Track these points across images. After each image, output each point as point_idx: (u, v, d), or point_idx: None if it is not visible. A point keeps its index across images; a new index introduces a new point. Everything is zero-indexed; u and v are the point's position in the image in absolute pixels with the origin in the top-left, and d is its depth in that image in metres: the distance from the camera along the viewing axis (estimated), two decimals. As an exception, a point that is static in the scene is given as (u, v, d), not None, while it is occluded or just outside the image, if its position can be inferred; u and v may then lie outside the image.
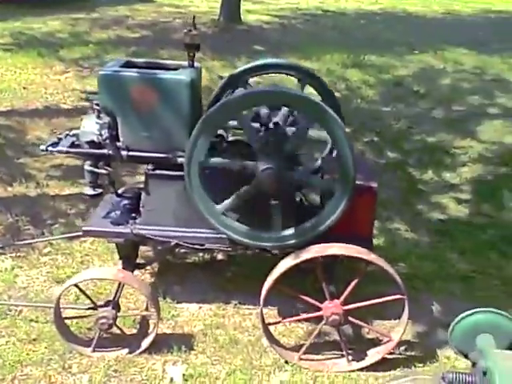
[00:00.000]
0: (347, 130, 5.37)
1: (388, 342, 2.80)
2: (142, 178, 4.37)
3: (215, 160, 2.64)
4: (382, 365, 2.81)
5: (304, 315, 2.86)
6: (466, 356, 2.04)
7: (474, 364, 1.85)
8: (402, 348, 2.96)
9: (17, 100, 5.98)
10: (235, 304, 3.18)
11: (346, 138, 2.53)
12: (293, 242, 2.71)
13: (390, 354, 2.86)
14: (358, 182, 2.66)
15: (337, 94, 6.50)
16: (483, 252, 3.86)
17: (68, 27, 9.29)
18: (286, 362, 2.80)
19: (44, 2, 10.71)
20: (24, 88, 6.32)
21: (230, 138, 2.88)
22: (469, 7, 14.18)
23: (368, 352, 2.83)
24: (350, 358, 2.81)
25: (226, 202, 2.67)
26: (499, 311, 2.01)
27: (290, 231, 2.70)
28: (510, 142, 5.66)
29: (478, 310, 2.02)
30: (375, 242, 3.89)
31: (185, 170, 2.60)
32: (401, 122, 6.01)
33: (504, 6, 14.52)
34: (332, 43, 9.00)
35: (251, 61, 3.42)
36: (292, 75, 3.30)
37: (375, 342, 2.94)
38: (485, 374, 1.72)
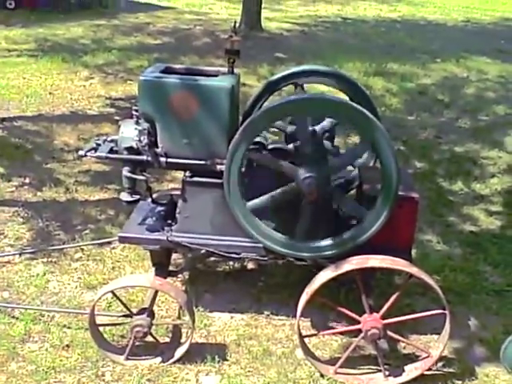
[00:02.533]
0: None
1: (427, 357, 2.73)
2: (170, 185, 4.42)
3: (258, 157, 2.61)
4: (419, 381, 2.74)
5: (342, 328, 2.81)
6: (519, 375, 1.98)
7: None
8: (440, 364, 2.88)
9: (43, 105, 6.02)
10: (267, 314, 3.13)
11: (391, 148, 2.49)
12: (331, 252, 2.66)
13: (428, 370, 2.79)
14: (400, 193, 2.62)
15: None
16: (515, 266, 3.78)
17: (90, 33, 9.37)
18: (322, 376, 2.74)
19: (66, 9, 10.83)
20: (50, 93, 6.37)
21: (270, 146, 2.84)
22: (487, 15, 14.13)
23: (405, 368, 2.76)
24: (387, 373, 2.74)
25: (257, 199, 2.62)
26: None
27: (329, 242, 2.66)
28: (539, 152, 5.58)
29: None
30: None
31: (224, 176, 2.57)
32: (427, 132, 5.95)
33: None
34: (353, 50, 8.99)
35: (283, 68, 3.40)
36: (333, 85, 3.26)
37: (412, 358, 2.87)
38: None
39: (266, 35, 9.53)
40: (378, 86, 7.18)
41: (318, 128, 2.94)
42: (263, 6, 9.96)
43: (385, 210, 2.57)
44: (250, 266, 3.54)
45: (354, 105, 2.58)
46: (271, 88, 3.24)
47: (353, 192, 3.10)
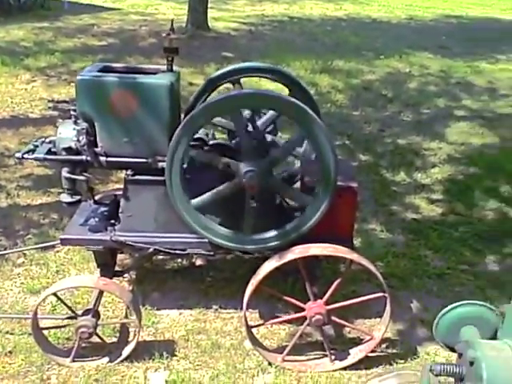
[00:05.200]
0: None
1: (370, 340, 2.83)
2: (115, 186, 4.37)
3: (199, 153, 2.64)
4: (365, 363, 2.84)
5: (287, 316, 2.87)
6: (451, 349, 2.08)
7: (460, 355, 1.89)
8: (384, 346, 2.99)
9: (-18, 110, 5.84)
10: (216, 309, 3.17)
11: (328, 140, 2.56)
12: (275, 243, 2.72)
13: (372, 352, 2.89)
14: (338, 183, 2.70)
15: (308, 99, 6.62)
16: (456, 249, 3.95)
17: (32, 36, 9.13)
18: (270, 364, 2.79)
19: (6, 12, 10.51)
20: (-11, 98, 6.18)
21: (211, 142, 2.87)
22: (429, 12, 14.60)
23: (350, 351, 2.85)
24: (333, 357, 2.82)
25: (201, 197, 2.65)
26: (482, 303, 2.06)
27: (273, 233, 2.71)
28: (477, 142, 5.83)
29: (461, 303, 2.06)
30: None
31: (166, 173, 2.58)
32: (371, 125, 6.12)
33: (462, 11, 15.01)
34: (300, 49, 9.12)
35: (224, 66, 3.44)
36: (273, 79, 3.32)
37: (357, 341, 2.97)
38: (471, 364, 1.76)
39: (213, 35, 9.54)
40: (324, 82, 7.32)
41: (259, 122, 3.00)
42: (210, 5, 9.96)
43: (325, 200, 2.64)
44: (199, 262, 3.56)
45: (292, 99, 2.63)
46: (212, 85, 3.27)
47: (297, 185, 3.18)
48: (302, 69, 7.66)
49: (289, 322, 3.02)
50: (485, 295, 3.39)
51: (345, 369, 2.81)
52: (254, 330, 2.86)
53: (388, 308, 2.74)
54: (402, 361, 2.90)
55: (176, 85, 2.76)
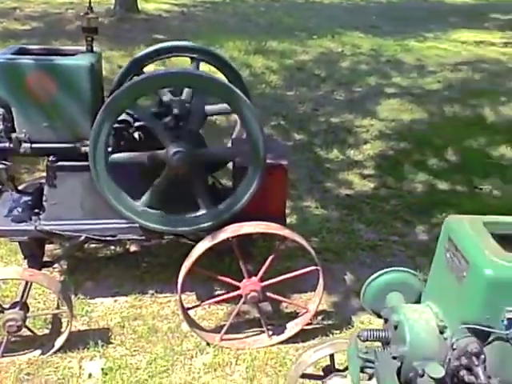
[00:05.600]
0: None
1: (305, 313, 2.88)
2: (42, 174, 4.20)
3: (123, 156, 2.58)
4: (301, 336, 2.90)
5: (223, 296, 2.87)
6: (379, 315, 2.14)
7: (386, 320, 1.95)
8: (319, 318, 3.07)
9: None
10: (152, 294, 3.13)
11: (256, 118, 2.55)
12: (208, 224, 2.71)
13: (309, 324, 2.96)
14: (268, 161, 2.71)
15: (241, 80, 6.59)
16: (388, 221, 4.09)
17: None
18: (208, 345, 2.80)
19: None
20: None
21: (137, 124, 2.79)
22: (360, -8, 14.80)
23: (287, 325, 2.90)
24: (270, 332, 2.86)
25: (144, 197, 2.62)
26: (406, 269, 2.13)
27: (205, 214, 2.70)
28: (407, 118, 6.01)
29: (386, 270, 2.12)
30: (288, 220, 3.99)
31: (90, 158, 2.50)
32: (305, 105, 6.18)
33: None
34: (233, 30, 9.05)
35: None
36: (201, 60, 3.27)
37: (294, 315, 3.02)
38: (396, 327, 1.82)
39: (143, 17, 9.29)
40: (258, 63, 7.30)
41: (188, 104, 2.95)
42: (139, -14, 9.69)
43: (255, 179, 2.65)
44: (133, 248, 3.50)
45: (219, 79, 2.61)
46: (137, 65, 3.19)
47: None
48: (235, 50, 7.60)
49: (226, 301, 3.02)
50: (415, 263, 3.52)
51: (282, 343, 2.86)
52: (191, 312, 2.86)
53: (321, 281, 2.80)
54: (338, 331, 2.98)
55: (97, 66, 2.67)
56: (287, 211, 4.05)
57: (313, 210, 4.19)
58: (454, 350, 1.68)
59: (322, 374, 2.49)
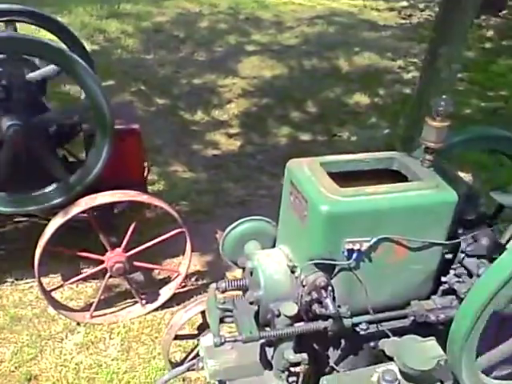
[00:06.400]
0: (111, 82, 5.19)
1: (177, 276, 2.87)
2: None
3: None
4: (176, 299, 2.89)
5: (87, 272, 2.76)
6: (239, 266, 2.18)
7: (243, 269, 1.99)
8: (193, 279, 3.08)
9: None
10: (12, 281, 2.93)
11: (98, 85, 2.42)
12: (60, 199, 2.56)
13: (183, 287, 2.96)
14: (119, 127, 2.61)
15: (95, 47, 6.26)
16: (255, 177, 4.18)
17: None
18: (78, 324, 2.70)
19: None
20: None
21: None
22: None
23: (160, 291, 2.88)
24: (144, 301, 2.83)
25: None
26: (260, 218, 2.18)
27: (55, 189, 2.55)
28: (268, 75, 6.11)
29: (241, 220, 2.16)
30: (156, 187, 3.94)
31: None
32: (166, 68, 6.02)
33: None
34: (83, -6, 8.48)
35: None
36: (36, 25, 3.01)
37: (167, 281, 3.00)
38: (252, 274, 1.87)
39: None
40: (112, 28, 6.94)
41: (30, 76, 2.73)
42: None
43: (104, 146, 2.54)
44: (-14, 236, 3.23)
45: (55, 44, 2.43)
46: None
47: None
48: (86, 15, 7.15)
49: (95, 278, 2.92)
50: (282, 213, 3.64)
51: (157, 310, 2.84)
52: (57, 295, 2.72)
53: (188, 242, 2.79)
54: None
55: None
56: (154, 178, 4.00)
57: (180, 174, 4.14)
58: (304, 286, 1.76)
59: (196, 332, 2.53)
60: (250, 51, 6.76)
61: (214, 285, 1.93)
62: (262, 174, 4.21)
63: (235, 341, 1.73)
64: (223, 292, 1.92)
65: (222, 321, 1.86)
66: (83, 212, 2.52)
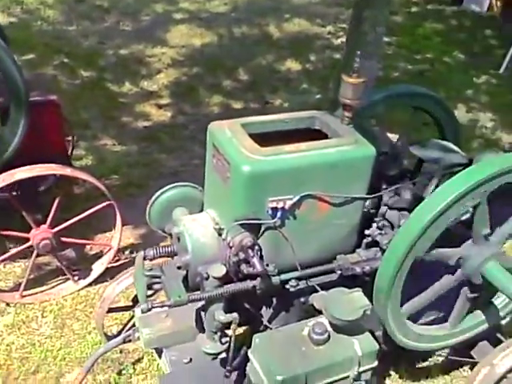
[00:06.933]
0: (32, 55, 4.92)
1: (109, 250, 2.82)
2: None
3: None
4: (110, 273, 2.83)
5: (12, 251, 2.66)
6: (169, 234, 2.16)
7: (171, 236, 1.97)
8: (127, 252, 3.03)
9: None
10: None
11: (9, 57, 2.30)
12: (-25, 180, 2.43)
13: (117, 261, 2.91)
14: (35, 99, 2.50)
15: (13, 19, 5.92)
16: (188, 147, 4.12)
17: None
18: (8, 305, 2.61)
19: None
20: None
21: None
22: None
23: (93, 267, 2.82)
24: (76, 278, 2.76)
25: None
26: (186, 183, 2.16)
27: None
28: (197, 43, 5.99)
29: (166, 188, 2.13)
30: (84, 162, 3.82)
31: None
32: (90, 39, 5.78)
33: None
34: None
35: None
36: None
37: (100, 256, 2.94)
38: (179, 239, 1.86)
39: None
40: (30, -1, 6.56)
41: None
42: None
43: (20, 120, 2.43)
44: None
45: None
46: None
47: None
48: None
49: (23, 257, 2.81)
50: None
51: (91, 285, 2.78)
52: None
53: (118, 215, 2.73)
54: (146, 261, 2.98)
55: None
56: (81, 153, 3.88)
57: (110, 148, 4.03)
58: (231, 247, 1.77)
59: (132, 304, 2.50)
60: (178, 19, 6.58)
61: (141, 253, 1.91)
62: (194, 144, 4.16)
63: (163, 306, 1.73)
64: (152, 260, 1.90)
65: (150, 288, 1.84)
66: (1, 189, 2.40)
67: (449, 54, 6.28)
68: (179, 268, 1.79)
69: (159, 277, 1.83)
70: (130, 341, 2.22)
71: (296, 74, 5.55)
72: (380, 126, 2.85)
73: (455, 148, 2.25)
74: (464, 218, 1.92)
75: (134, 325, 2.27)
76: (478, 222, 1.84)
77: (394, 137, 3.13)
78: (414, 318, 2.03)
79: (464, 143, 4.23)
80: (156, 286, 1.89)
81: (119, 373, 2.35)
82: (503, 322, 2.22)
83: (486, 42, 6.72)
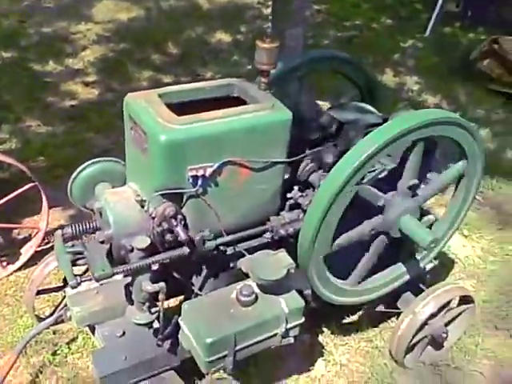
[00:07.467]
0: None
1: (37, 233, 2.75)
2: None
3: None
4: (41, 256, 2.71)
5: None
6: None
7: (93, 211, 1.94)
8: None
9: None
10: None
11: None
12: None
13: (47, 243, 2.84)
14: None
15: None
16: (117, 124, 4.00)
17: None
18: None
19: None
20: None
21: None
22: None
23: (22, 250, 2.75)
24: (5, 263, 2.68)
25: None
26: (107, 158, 2.13)
27: None
28: (124, 18, 5.82)
29: (87, 163, 2.10)
30: (8, 145, 3.68)
31: None
32: (10, 18, 5.50)
33: None
34: None
35: None
36: None
37: (29, 239, 2.86)
38: (101, 214, 1.83)
39: None
40: None
41: None
42: None
43: None
44: None
45: None
46: None
47: None
48: None
49: None
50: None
51: (20, 269, 2.71)
52: None
53: (44, 196, 2.66)
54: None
55: None
56: (4, 136, 3.73)
57: (35, 129, 3.89)
58: (153, 218, 1.77)
59: (63, 284, 2.46)
60: (102, -6, 6.36)
61: (59, 231, 1.88)
62: (123, 122, 4.06)
63: (90, 280, 1.71)
64: (72, 238, 1.88)
65: (74, 264, 1.82)
66: None
67: (377, 20, 6.39)
68: (102, 242, 1.78)
69: (82, 253, 1.81)
70: (62, 321, 2.20)
71: (226, 46, 5.51)
72: (306, 92, 2.90)
73: (372, 109, 2.33)
74: (381, 176, 2.00)
75: (66, 305, 2.24)
76: (405, 173, 1.93)
77: (323, 104, 3.19)
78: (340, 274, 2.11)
79: (391, 106, 4.40)
80: (80, 262, 1.87)
81: (54, 353, 2.32)
82: (424, 272, 2.34)
83: (412, 6, 6.89)
